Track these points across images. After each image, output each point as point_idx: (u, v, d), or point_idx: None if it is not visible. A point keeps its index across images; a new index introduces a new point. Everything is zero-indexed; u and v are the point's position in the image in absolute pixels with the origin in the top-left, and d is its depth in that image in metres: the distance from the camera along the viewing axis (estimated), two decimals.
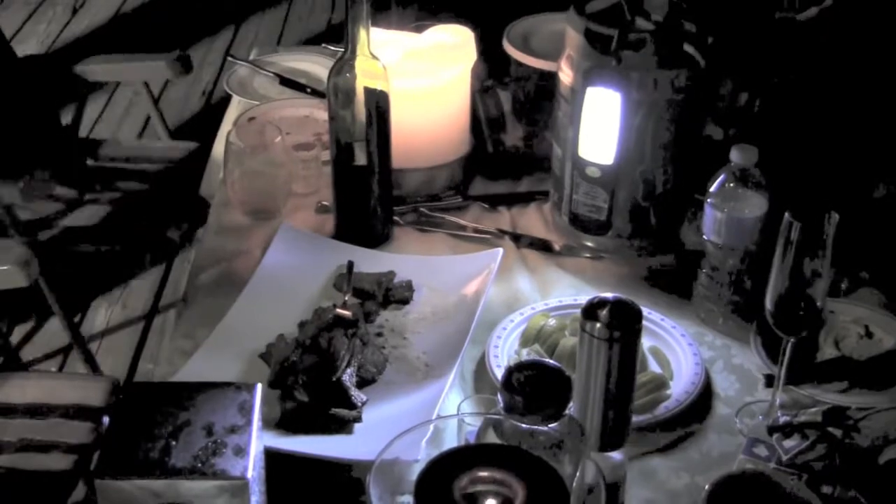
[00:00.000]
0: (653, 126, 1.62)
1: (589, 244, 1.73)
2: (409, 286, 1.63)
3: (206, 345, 1.49)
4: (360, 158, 1.68)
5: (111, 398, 2.01)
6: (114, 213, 2.57)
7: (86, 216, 2.56)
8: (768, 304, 1.32)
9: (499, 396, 1.12)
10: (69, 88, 2.72)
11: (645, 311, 1.19)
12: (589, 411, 1.18)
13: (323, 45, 2.38)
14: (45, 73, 2.78)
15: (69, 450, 1.91)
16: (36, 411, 1.99)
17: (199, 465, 1.09)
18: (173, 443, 1.11)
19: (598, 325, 1.14)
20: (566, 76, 1.66)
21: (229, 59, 2.37)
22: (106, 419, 1.15)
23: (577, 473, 1.05)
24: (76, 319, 3.09)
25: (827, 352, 1.49)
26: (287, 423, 1.38)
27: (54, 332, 3.03)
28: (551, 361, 1.26)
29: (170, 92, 4.34)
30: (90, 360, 2.54)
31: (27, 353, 3.00)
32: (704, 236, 1.55)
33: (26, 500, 1.87)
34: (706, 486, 1.20)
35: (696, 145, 1.70)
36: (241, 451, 1.10)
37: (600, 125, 1.62)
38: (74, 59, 2.68)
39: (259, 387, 1.18)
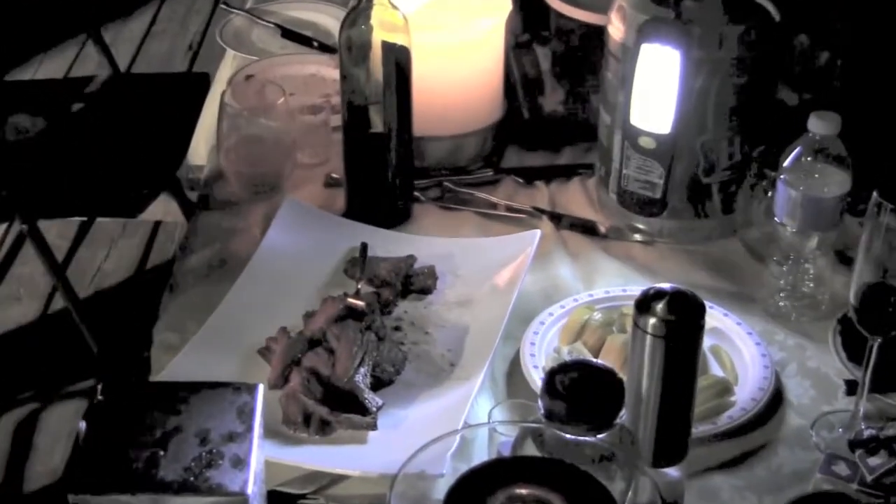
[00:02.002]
0: (717, 89, 1.62)
1: (640, 226, 1.73)
2: (431, 273, 1.63)
3: (197, 339, 1.50)
4: (376, 124, 1.68)
5: None
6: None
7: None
8: (852, 298, 1.32)
9: (539, 402, 1.12)
10: None
11: (706, 304, 1.19)
12: (642, 420, 1.19)
13: None
14: None
15: None
16: None
17: (192, 478, 1.09)
18: (161, 452, 1.11)
19: (654, 319, 1.15)
20: (616, 31, 1.65)
21: (221, 6, 2.37)
22: (82, 424, 1.16)
23: (630, 491, 1.05)
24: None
25: None
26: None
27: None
28: (599, 362, 1.26)
29: (150, 45, 4.34)
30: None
31: None
32: (776, 218, 1.54)
33: None
34: None
35: (768, 112, 1.70)
36: (240, 463, 1.11)
37: (656, 88, 1.62)
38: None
39: (261, 388, 1.18)
